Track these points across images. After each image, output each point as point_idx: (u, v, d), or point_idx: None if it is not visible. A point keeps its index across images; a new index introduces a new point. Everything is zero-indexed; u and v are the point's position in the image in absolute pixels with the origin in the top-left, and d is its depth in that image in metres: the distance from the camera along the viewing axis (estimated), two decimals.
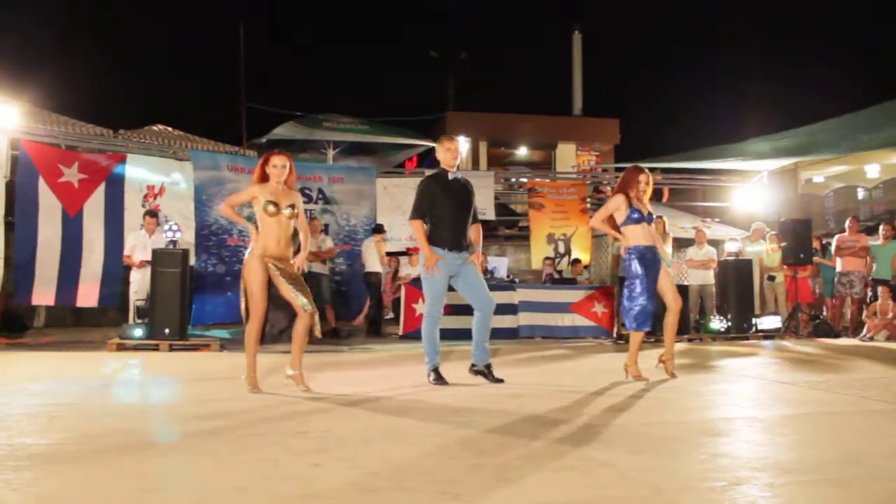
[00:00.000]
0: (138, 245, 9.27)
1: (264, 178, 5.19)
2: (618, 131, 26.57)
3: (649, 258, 5.89)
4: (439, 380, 5.55)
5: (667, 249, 10.96)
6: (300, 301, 5.09)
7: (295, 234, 5.32)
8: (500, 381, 5.54)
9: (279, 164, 5.17)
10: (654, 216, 6.10)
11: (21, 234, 9.83)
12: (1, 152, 9.38)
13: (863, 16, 33.53)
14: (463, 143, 23.87)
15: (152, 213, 9.61)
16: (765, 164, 13.42)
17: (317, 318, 5.16)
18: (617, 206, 5.96)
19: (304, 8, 45.95)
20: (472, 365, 5.73)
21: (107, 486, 2.83)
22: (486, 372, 5.64)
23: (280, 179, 5.17)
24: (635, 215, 5.89)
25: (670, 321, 6.02)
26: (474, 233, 5.78)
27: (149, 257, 8.76)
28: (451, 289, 5.83)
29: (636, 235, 5.92)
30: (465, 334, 10.00)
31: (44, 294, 9.99)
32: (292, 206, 5.20)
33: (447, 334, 9.85)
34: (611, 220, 6.05)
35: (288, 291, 5.10)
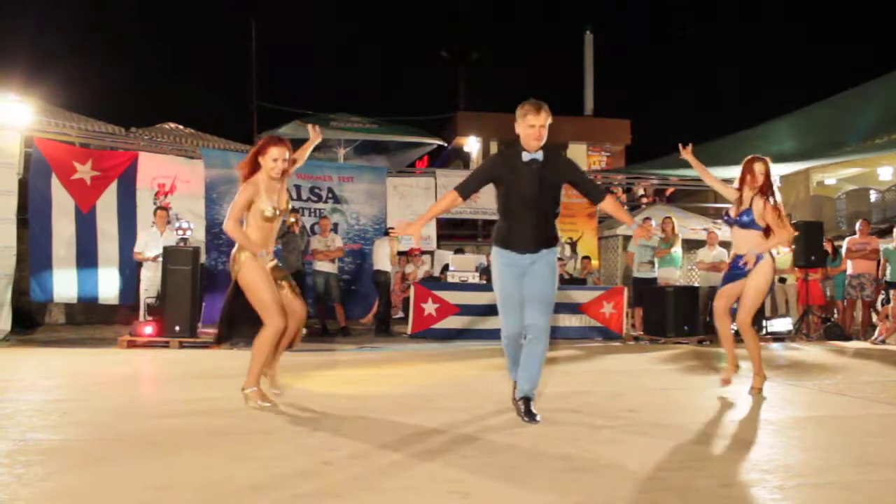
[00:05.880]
0: (150, 242, 9.31)
1: (255, 168, 4.48)
2: (629, 132, 26.52)
3: (734, 269, 5.31)
4: (529, 415, 4.15)
5: (676, 251, 10.97)
6: (290, 300, 4.58)
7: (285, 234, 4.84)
8: (535, 419, 4.09)
9: (280, 158, 4.46)
10: (751, 218, 5.20)
11: (36, 232, 9.90)
12: (14, 150, 9.43)
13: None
14: (473, 144, 23.85)
15: (163, 208, 9.70)
16: (778, 168, 13.35)
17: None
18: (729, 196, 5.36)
19: (315, 7, 46.07)
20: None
21: (119, 482, 2.84)
22: (517, 402, 4.26)
23: (277, 174, 4.49)
24: (726, 218, 5.41)
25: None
26: (610, 206, 4.56)
27: (160, 252, 8.82)
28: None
29: (733, 241, 5.39)
30: (474, 334, 10.11)
31: (65, 291, 10.08)
32: (286, 205, 4.64)
33: (451, 334, 10.04)
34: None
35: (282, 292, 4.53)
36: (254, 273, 4.39)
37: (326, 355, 7.65)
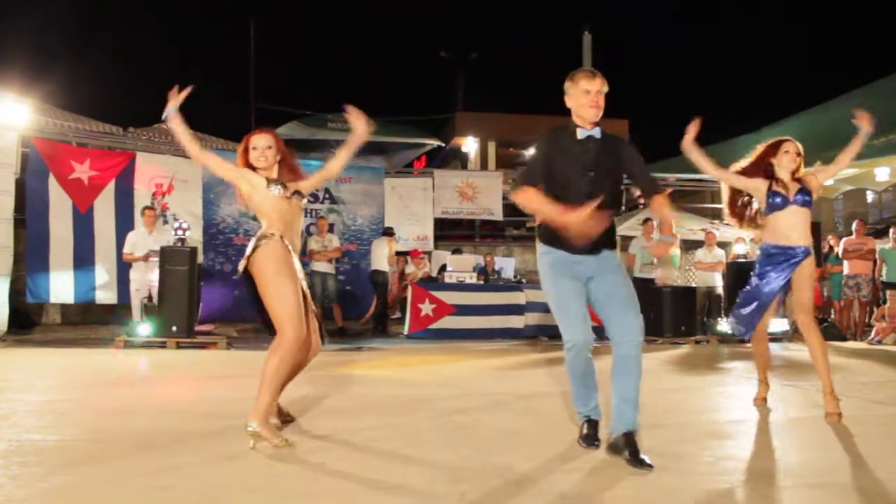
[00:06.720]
0: (138, 242, 9.25)
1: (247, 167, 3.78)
2: (627, 132, 26.49)
3: (778, 258, 4.53)
4: (589, 440, 3.55)
5: (674, 251, 10.97)
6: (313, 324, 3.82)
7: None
8: (646, 464, 3.12)
9: (260, 146, 3.71)
10: (810, 197, 4.50)
11: (33, 232, 9.88)
12: (11, 150, 9.41)
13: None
14: (472, 144, 23.83)
15: (151, 207, 9.64)
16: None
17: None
18: (756, 187, 4.57)
19: (314, 7, 46.06)
20: (610, 431, 3.45)
21: (116, 483, 2.84)
22: (622, 446, 3.27)
23: (266, 166, 3.74)
24: (779, 200, 4.47)
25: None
26: (658, 204, 3.56)
27: (150, 249, 8.78)
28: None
29: (772, 229, 4.56)
30: (470, 334, 10.11)
31: (62, 292, 10.06)
32: (299, 193, 3.83)
33: (447, 334, 10.03)
34: (738, 204, 4.70)
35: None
36: (266, 257, 3.57)
37: (324, 356, 7.63)
